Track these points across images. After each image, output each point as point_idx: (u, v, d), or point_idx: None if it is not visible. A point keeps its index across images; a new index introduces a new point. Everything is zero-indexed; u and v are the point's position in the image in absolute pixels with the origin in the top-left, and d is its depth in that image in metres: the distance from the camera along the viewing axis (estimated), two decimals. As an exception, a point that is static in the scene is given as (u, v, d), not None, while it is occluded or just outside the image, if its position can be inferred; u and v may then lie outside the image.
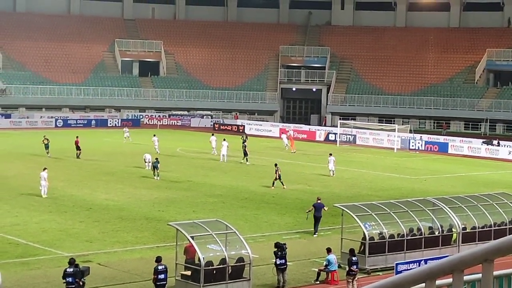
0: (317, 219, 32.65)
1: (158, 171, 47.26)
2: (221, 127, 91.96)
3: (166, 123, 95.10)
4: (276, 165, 45.22)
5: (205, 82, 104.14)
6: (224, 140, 58.38)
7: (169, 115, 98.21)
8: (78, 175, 48.18)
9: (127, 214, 35.64)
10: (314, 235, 32.43)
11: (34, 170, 49.02)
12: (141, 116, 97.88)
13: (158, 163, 47.53)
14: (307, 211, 33.50)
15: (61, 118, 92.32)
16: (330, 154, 51.92)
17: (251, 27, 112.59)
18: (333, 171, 50.82)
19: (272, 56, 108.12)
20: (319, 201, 33.13)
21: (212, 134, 65.24)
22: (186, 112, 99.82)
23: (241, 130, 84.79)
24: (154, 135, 62.46)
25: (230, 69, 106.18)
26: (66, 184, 44.16)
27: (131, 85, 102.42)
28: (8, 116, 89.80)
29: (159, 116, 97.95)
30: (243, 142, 59.20)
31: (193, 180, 47.66)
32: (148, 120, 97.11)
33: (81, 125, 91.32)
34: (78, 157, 56.00)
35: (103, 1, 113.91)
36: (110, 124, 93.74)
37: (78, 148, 56.56)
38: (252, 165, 55.67)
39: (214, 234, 24.82)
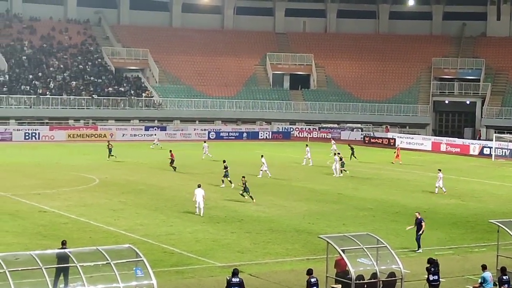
0: (417, 234, 31.52)
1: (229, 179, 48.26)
2: (371, 140, 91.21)
3: (316, 136, 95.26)
4: (243, 177, 43.36)
5: (356, 94, 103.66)
6: (336, 155, 57.84)
7: (319, 128, 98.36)
8: (229, 186, 48.94)
9: (277, 226, 35.89)
10: (418, 251, 31.31)
11: (187, 182, 50.34)
12: (291, 129, 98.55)
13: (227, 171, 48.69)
14: (408, 227, 32.54)
15: (214, 130, 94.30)
16: (439, 170, 49.24)
17: (403, 39, 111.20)
18: (439, 187, 48.13)
19: (424, 68, 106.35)
20: (418, 216, 32.01)
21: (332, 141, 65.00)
22: (336, 125, 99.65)
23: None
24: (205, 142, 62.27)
25: (381, 82, 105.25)
26: (219, 196, 44.98)
27: (282, 98, 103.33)
28: (163, 129, 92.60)
29: (309, 129, 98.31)
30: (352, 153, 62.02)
31: (343, 193, 47.48)
32: (298, 133, 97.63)
33: (233, 137, 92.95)
34: (174, 169, 56.48)
35: (255, 15, 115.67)
36: (261, 136, 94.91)
37: (172, 161, 57.11)
38: (405, 179, 54.81)
39: (365, 248, 24.55)
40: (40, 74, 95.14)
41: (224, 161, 50.05)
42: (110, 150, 64.16)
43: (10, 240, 31.10)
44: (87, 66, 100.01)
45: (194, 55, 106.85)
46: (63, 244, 24.65)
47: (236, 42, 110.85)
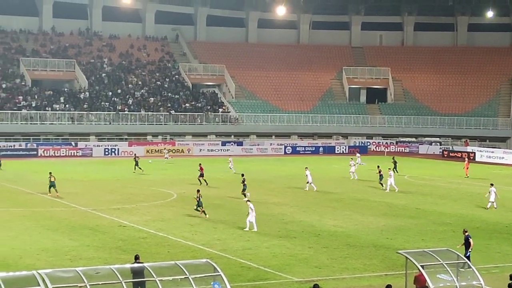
0: (466, 251, 30.52)
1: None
2: (450, 154, 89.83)
3: (393, 150, 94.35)
4: (198, 191, 42.76)
5: (434, 108, 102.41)
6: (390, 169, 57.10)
7: (397, 142, 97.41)
8: (306, 201, 48.84)
9: (355, 241, 35.57)
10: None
11: (263, 196, 50.39)
12: (368, 143, 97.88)
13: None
14: (458, 246, 31.60)
15: (290, 145, 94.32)
16: (491, 185, 47.82)
17: (482, 51, 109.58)
18: (492, 202, 46.72)
19: (504, 81, 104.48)
20: (466, 233, 31.02)
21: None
22: (413, 139, 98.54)
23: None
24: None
25: (459, 95, 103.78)
26: (295, 210, 44.90)
27: (359, 112, 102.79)
28: (240, 144, 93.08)
29: (386, 143, 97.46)
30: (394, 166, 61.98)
31: (421, 207, 46.83)
32: (376, 147, 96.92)
33: (309, 152, 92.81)
34: (205, 183, 56.61)
35: (331, 30, 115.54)
36: (338, 151, 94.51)
37: (201, 175, 57.22)
38: (485, 194, 53.76)
39: (445, 263, 24.14)
40: (119, 90, 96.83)
41: (242, 175, 50.66)
42: (136, 163, 65.65)
43: (91, 254, 31.62)
44: (164, 82, 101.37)
45: (270, 70, 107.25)
46: (136, 258, 24.91)
47: (312, 56, 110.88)
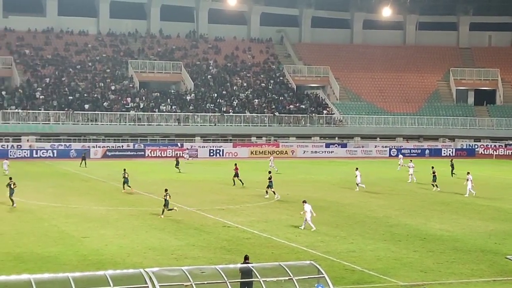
0: None
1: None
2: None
3: (502, 153, 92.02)
4: (166, 190, 41.67)
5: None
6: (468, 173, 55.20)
7: (506, 145, 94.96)
8: (412, 204, 48.15)
9: (462, 245, 34.81)
10: None
11: (368, 199, 49.99)
12: (475, 146, 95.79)
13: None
14: None
15: (395, 147, 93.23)
16: (468, 173, 46.91)
17: None
18: (470, 190, 46.35)
19: None
20: None
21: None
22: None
23: None
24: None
25: None
26: (401, 213, 44.31)
27: (466, 114, 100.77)
28: (344, 146, 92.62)
29: (494, 146, 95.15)
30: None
31: (532, 212, 45.46)
32: (484, 150, 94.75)
33: (415, 154, 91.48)
34: (240, 183, 56.37)
35: (438, 30, 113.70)
36: (444, 153, 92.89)
37: (236, 175, 56.81)
38: None
39: (557, 271, 23.36)
40: (224, 92, 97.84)
41: (269, 172, 51.37)
42: (177, 162, 67.20)
43: (196, 253, 31.98)
44: (269, 84, 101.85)
45: (375, 71, 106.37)
46: (246, 259, 25.05)
47: (418, 57, 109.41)
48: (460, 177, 63.19)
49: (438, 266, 30.69)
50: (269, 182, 49.78)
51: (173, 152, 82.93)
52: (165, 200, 41.33)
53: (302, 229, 37.91)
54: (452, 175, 64.60)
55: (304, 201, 38.91)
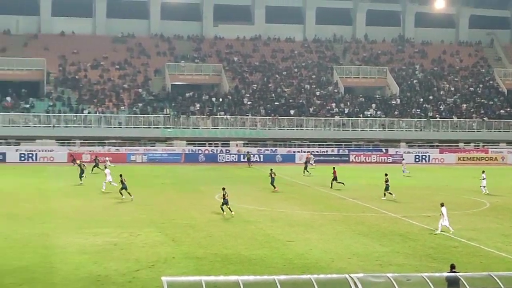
0: None
1: None
2: None
3: None
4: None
5: None
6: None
7: None
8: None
9: None
10: None
11: None
12: None
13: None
14: None
15: None
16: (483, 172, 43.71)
17: None
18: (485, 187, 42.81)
19: None
20: None
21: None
22: None
23: None
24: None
25: None
26: None
27: None
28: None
29: None
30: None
31: None
32: None
33: None
34: (342, 183, 56.87)
35: None
36: None
37: (335, 178, 57.07)
38: None
39: None
40: (430, 97, 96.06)
41: (386, 174, 51.65)
42: (305, 166, 68.58)
43: (401, 261, 31.47)
44: (478, 88, 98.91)
45: None
46: (452, 267, 24.30)
47: None
48: None
49: None
50: (386, 184, 50.86)
51: (378, 157, 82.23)
52: (224, 199, 42.97)
53: (437, 233, 37.49)
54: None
55: (442, 204, 38.63)
